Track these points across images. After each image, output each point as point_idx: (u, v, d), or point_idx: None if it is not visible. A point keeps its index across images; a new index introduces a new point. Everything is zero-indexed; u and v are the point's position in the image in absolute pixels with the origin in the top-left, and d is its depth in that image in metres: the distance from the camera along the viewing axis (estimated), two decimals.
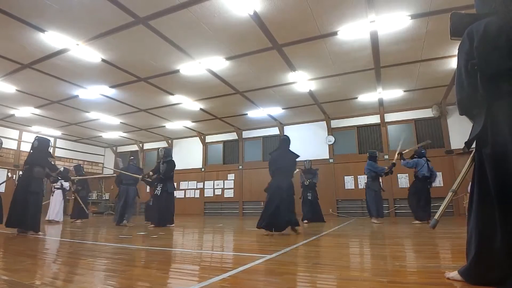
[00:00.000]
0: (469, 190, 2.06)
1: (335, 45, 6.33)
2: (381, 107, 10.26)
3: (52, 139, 13.59)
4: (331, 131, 11.36)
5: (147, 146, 15.21)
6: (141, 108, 10.24)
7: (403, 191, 9.00)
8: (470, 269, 1.58)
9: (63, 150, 14.35)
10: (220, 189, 12.90)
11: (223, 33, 5.83)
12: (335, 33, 5.87)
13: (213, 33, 5.82)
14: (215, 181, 13.07)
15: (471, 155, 1.74)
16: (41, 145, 4.91)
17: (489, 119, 1.57)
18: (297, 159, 5.15)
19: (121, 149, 15.86)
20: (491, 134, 1.55)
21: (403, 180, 9.84)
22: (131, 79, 7.90)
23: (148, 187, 8.66)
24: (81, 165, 9.59)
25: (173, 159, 6.96)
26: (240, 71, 7.53)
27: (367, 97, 9.35)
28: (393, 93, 9.02)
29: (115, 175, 7.70)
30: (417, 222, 6.42)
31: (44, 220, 7.50)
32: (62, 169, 6.80)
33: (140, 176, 7.18)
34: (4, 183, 9.61)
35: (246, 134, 12.95)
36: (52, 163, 5.28)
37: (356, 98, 9.43)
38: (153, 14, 5.27)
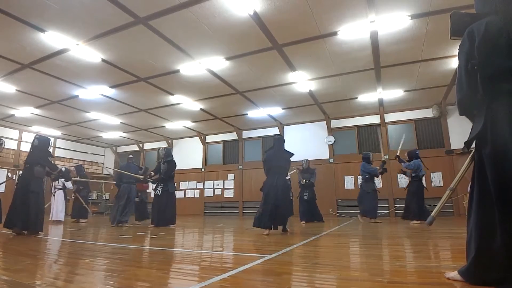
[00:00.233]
0: (469, 190, 2.06)
1: (335, 45, 6.33)
2: (381, 107, 10.26)
3: (52, 139, 13.70)
4: (331, 131, 11.35)
5: (147, 146, 15.22)
6: (141, 108, 10.24)
7: (403, 191, 9.00)
8: (470, 269, 1.58)
9: (63, 150, 14.36)
10: (220, 189, 12.90)
11: (223, 33, 5.83)
12: (335, 33, 5.87)
13: (213, 33, 5.83)
14: (215, 181, 13.07)
15: (471, 154, 1.74)
16: (41, 144, 4.89)
17: (489, 119, 1.57)
18: (291, 158, 5.20)
19: (121, 149, 15.86)
20: (491, 134, 1.55)
21: (403, 180, 9.82)
22: (131, 79, 7.90)
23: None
24: (82, 165, 9.60)
25: (174, 159, 6.96)
26: (240, 71, 7.53)
27: (367, 97, 9.35)
28: (393, 93, 9.02)
29: (114, 180, 7.62)
30: (416, 222, 6.42)
31: (48, 221, 7.51)
32: (63, 169, 6.74)
33: (142, 176, 7.17)
34: (4, 183, 9.61)
35: (246, 134, 12.95)
36: (52, 162, 5.26)
37: (356, 98, 9.43)
38: (153, 14, 5.27)
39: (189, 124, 12.18)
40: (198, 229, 6.15)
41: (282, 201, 4.78)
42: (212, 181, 13.13)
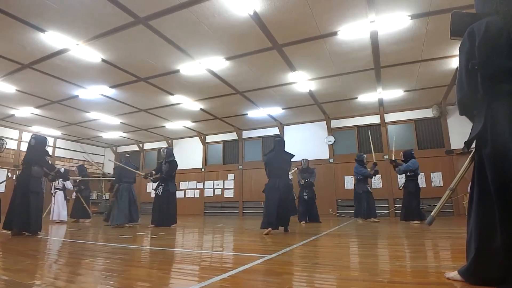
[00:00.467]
0: (469, 190, 2.07)
1: (335, 45, 6.33)
2: (381, 107, 10.26)
3: (52, 139, 13.70)
4: (331, 131, 11.35)
5: (147, 146, 15.22)
6: (141, 108, 10.24)
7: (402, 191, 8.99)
8: (470, 269, 1.58)
9: (63, 150, 14.36)
10: (220, 189, 12.89)
11: (223, 33, 5.83)
12: (335, 33, 5.87)
13: (213, 33, 5.82)
14: (215, 181, 13.06)
15: (471, 154, 1.74)
16: (38, 143, 4.83)
17: (489, 119, 1.56)
18: (292, 159, 5.27)
19: (121, 149, 15.85)
20: (491, 134, 1.54)
21: (403, 181, 9.80)
22: (131, 79, 7.90)
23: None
24: (84, 165, 9.60)
25: (175, 159, 6.96)
26: (240, 71, 7.53)
27: (367, 97, 9.35)
28: (393, 93, 9.02)
29: (113, 179, 7.56)
30: (416, 222, 6.42)
31: (49, 221, 7.50)
32: (62, 170, 6.71)
33: (143, 174, 7.16)
34: (4, 183, 9.61)
35: (246, 134, 12.94)
36: (50, 162, 5.24)
37: (356, 98, 9.43)
38: (153, 14, 5.26)
39: (189, 124, 12.18)
40: (198, 229, 6.15)
41: (283, 202, 4.85)
42: (212, 181, 13.13)
